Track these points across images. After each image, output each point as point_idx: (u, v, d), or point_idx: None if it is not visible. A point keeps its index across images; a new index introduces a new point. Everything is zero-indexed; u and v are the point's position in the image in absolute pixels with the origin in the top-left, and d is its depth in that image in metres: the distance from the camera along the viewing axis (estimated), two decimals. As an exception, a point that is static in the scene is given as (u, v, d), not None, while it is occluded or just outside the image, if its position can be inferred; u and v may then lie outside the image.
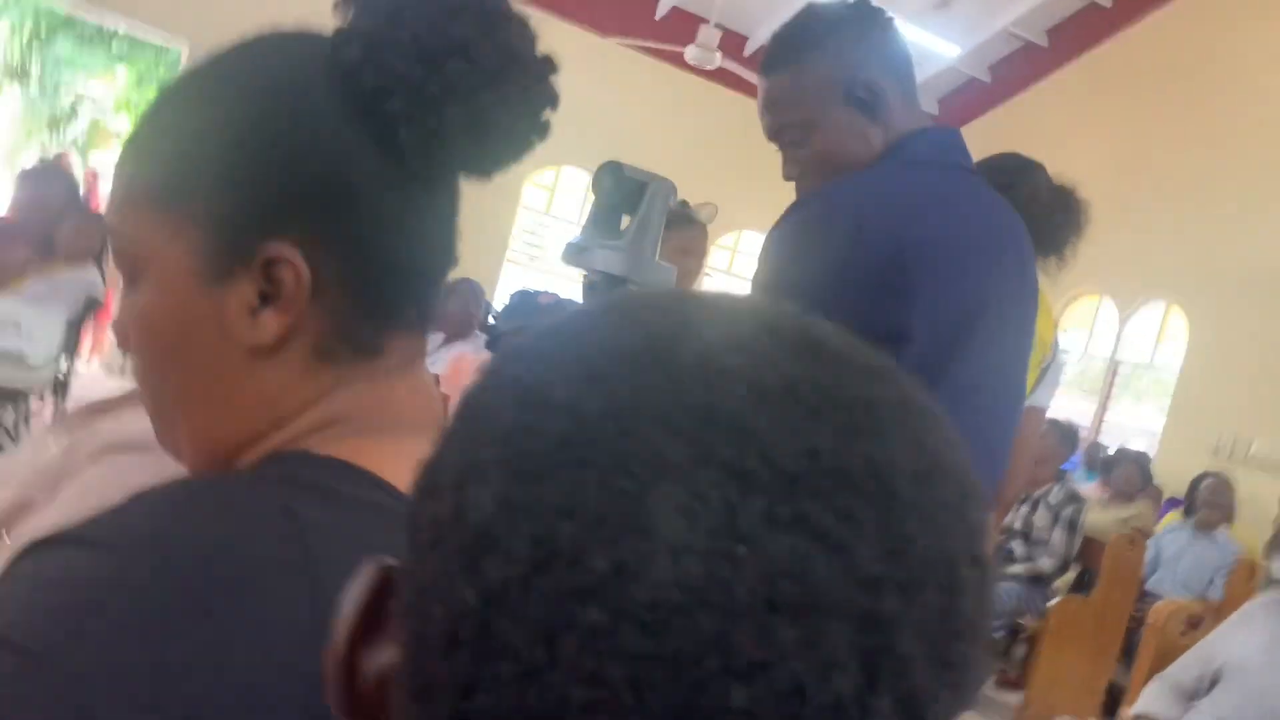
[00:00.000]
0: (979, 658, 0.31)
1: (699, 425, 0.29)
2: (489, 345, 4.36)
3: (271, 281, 0.60)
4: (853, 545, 0.28)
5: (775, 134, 1.41)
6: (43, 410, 4.30)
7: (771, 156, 1.47)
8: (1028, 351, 1.46)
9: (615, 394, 0.30)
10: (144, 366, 0.64)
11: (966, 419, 1.30)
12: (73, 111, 13.96)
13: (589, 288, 1.62)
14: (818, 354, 0.32)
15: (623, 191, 1.56)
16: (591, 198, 1.61)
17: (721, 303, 0.34)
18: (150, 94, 13.03)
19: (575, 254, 1.55)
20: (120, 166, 0.64)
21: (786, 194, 1.44)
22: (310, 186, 0.60)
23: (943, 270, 1.26)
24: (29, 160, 9.88)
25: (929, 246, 1.26)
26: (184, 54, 7.95)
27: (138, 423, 0.79)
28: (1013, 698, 4.74)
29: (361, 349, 0.63)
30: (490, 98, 0.61)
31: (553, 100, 0.66)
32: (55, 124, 13.28)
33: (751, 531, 0.27)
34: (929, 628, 0.29)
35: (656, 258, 1.56)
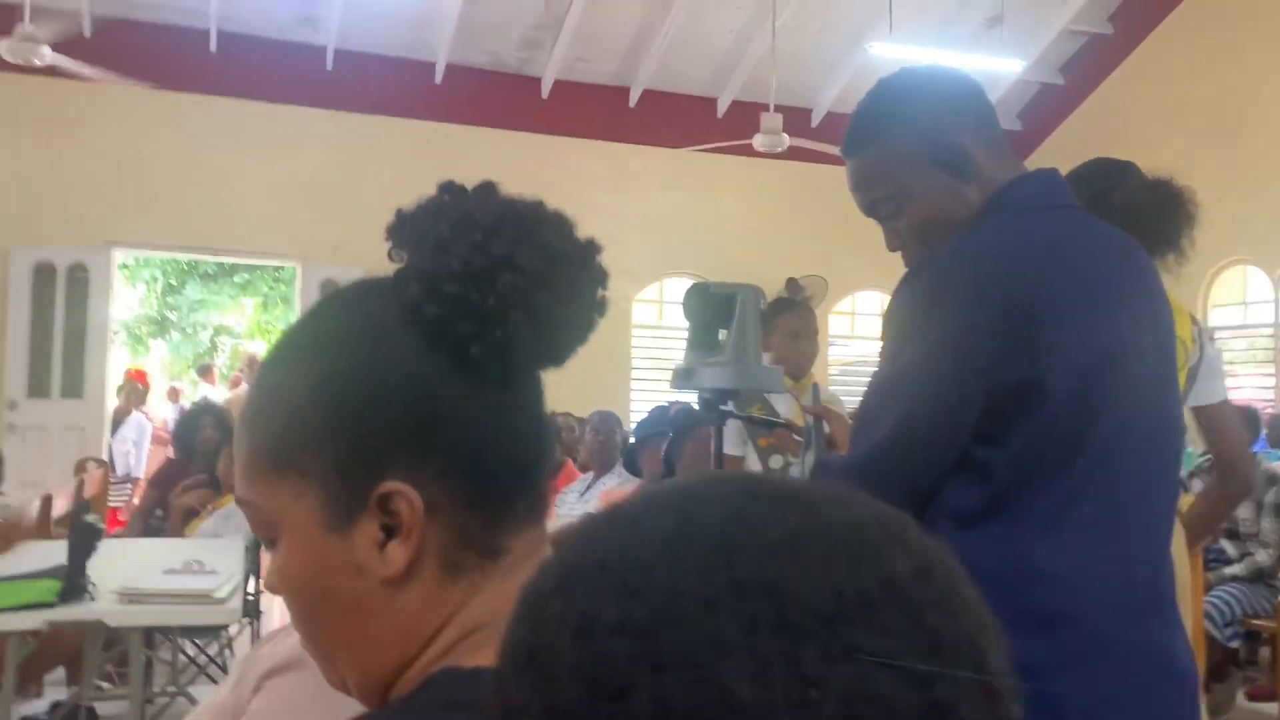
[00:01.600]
0: (1017, 708, 0.37)
1: (736, 599, 0.34)
2: (626, 465, 4.40)
3: (390, 515, 0.64)
4: (900, 654, 0.33)
5: (871, 210, 1.42)
6: (240, 635, 4.52)
7: (868, 220, 1.47)
8: (1174, 374, 1.41)
9: (656, 599, 0.34)
10: (298, 617, 0.69)
11: (1126, 460, 1.26)
12: (213, 346, 15.01)
13: (704, 404, 1.66)
14: (797, 502, 0.37)
15: (713, 308, 1.60)
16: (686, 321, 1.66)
17: (708, 488, 0.39)
18: (275, 314, 13.91)
19: (683, 378, 1.58)
20: (238, 442, 0.70)
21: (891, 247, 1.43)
22: (405, 421, 0.65)
23: (1069, 315, 1.24)
24: (183, 402, 10.57)
25: (1050, 293, 1.24)
26: (298, 271, 8.47)
27: (288, 640, 0.84)
28: (1270, 708, 4.38)
29: (486, 554, 0.67)
30: (545, 299, 0.65)
31: (602, 280, 0.71)
32: (199, 361, 14.22)
33: (817, 674, 0.32)
34: (978, 696, 0.34)
35: (760, 362, 1.58)
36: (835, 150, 1.45)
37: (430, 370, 0.65)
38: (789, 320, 3.22)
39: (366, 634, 0.66)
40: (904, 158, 1.35)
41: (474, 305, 0.64)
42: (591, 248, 0.71)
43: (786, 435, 1.45)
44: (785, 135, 7.03)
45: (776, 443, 1.99)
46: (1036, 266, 1.26)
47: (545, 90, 8.92)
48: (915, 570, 0.35)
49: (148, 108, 7.71)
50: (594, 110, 9.01)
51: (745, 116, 8.28)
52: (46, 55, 6.09)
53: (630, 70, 8.97)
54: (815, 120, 9.31)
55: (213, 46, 8.00)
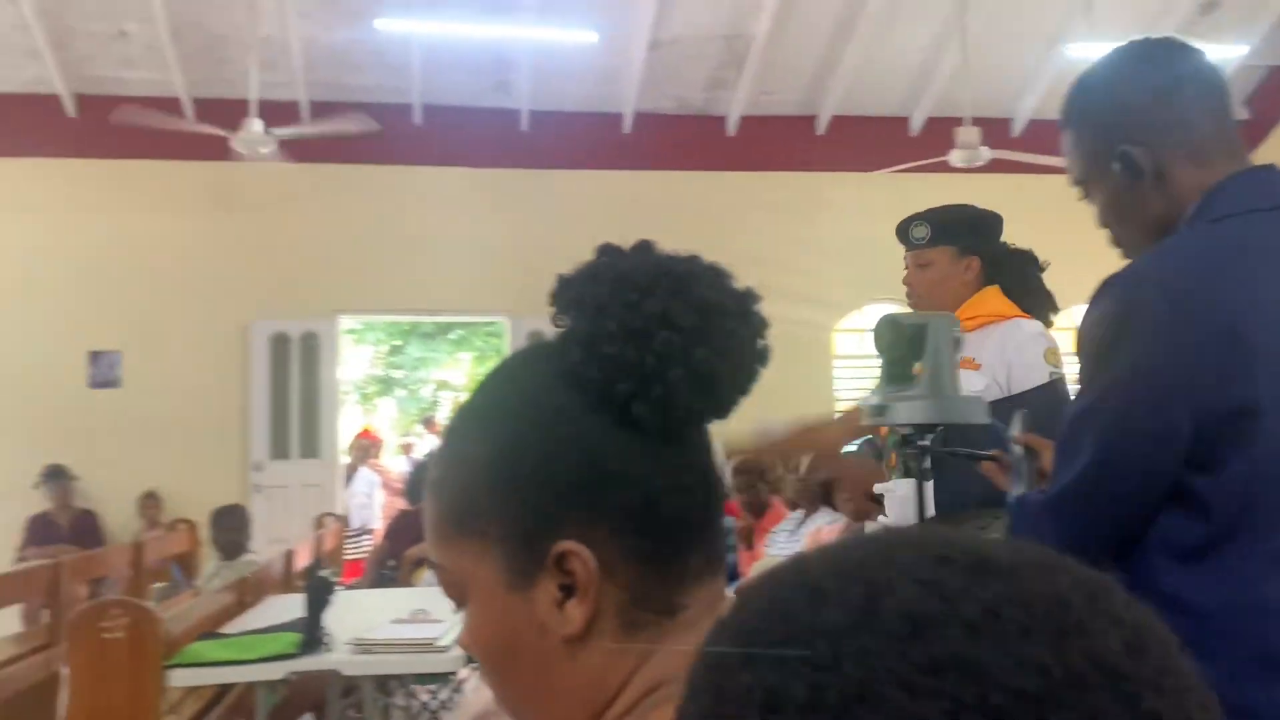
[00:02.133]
0: None
1: (935, 679, 0.31)
2: (823, 498, 4.30)
3: (567, 574, 0.65)
4: None
5: (1073, 184, 1.40)
6: (470, 679, 4.70)
7: (1081, 228, 1.44)
8: None
9: (849, 677, 0.32)
10: (489, 675, 0.71)
11: None
12: (435, 400, 15.85)
13: (901, 442, 1.58)
14: (994, 570, 0.34)
15: (905, 339, 1.54)
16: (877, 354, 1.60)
17: (897, 553, 0.36)
18: (489, 366, 14.56)
19: (876, 414, 1.52)
20: (426, 508, 0.73)
21: (1109, 259, 1.38)
22: (574, 482, 0.66)
23: None
24: (414, 455, 11.16)
25: (1260, 306, 1.14)
26: (506, 326, 8.83)
27: (484, 691, 0.86)
28: None
29: (663, 611, 0.67)
30: (702, 352, 0.65)
31: (761, 330, 0.70)
32: (424, 415, 15.04)
33: None
34: None
35: (958, 392, 1.50)
36: (1041, 159, 1.40)
37: (595, 430, 0.67)
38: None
39: (554, 691, 0.68)
40: (1087, 153, 1.33)
41: (632, 364, 0.65)
42: (749, 298, 0.70)
43: (993, 468, 1.36)
44: (984, 148, 6.78)
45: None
46: (1242, 277, 1.16)
47: (731, 127, 8.97)
48: (1127, 645, 0.32)
49: (362, 183, 8.26)
50: (782, 142, 8.99)
51: (940, 133, 8.04)
52: (272, 144, 6.63)
53: (816, 98, 8.89)
54: (1016, 130, 8.94)
55: (417, 120, 8.50)
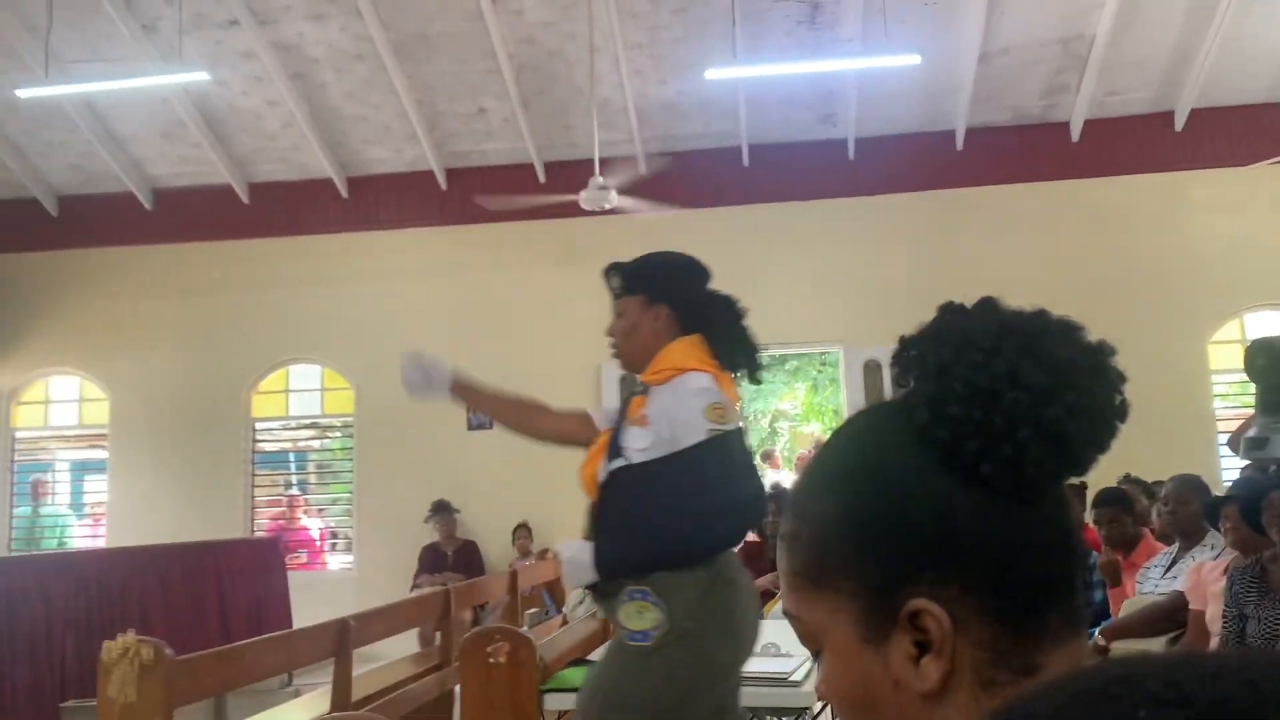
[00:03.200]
0: None
1: None
2: (1207, 513, 3.89)
3: (920, 631, 0.66)
4: None
5: None
6: (822, 714, 4.68)
7: None
8: None
9: None
10: None
11: None
12: (773, 431, 15.99)
13: (1287, 478, 1.43)
14: None
15: (1283, 366, 1.39)
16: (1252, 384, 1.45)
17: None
18: (825, 396, 14.47)
19: (1254, 449, 1.39)
20: (780, 561, 0.76)
21: None
22: (925, 540, 0.67)
23: None
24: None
25: None
26: (840, 355, 8.78)
27: None
28: None
29: (1020, 670, 0.66)
30: (1053, 411, 0.65)
31: (1118, 383, 0.68)
32: (763, 448, 15.22)
33: None
34: None
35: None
36: None
37: (945, 490, 0.67)
38: None
39: None
40: None
41: (980, 425, 0.65)
42: (1102, 352, 0.69)
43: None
44: (1382, 128, 5.92)
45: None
46: None
47: (1075, 133, 8.43)
48: None
49: (695, 226, 8.57)
50: (1135, 143, 8.32)
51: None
52: (614, 199, 7.06)
53: (1172, 92, 8.17)
54: None
55: (745, 161, 8.71)
